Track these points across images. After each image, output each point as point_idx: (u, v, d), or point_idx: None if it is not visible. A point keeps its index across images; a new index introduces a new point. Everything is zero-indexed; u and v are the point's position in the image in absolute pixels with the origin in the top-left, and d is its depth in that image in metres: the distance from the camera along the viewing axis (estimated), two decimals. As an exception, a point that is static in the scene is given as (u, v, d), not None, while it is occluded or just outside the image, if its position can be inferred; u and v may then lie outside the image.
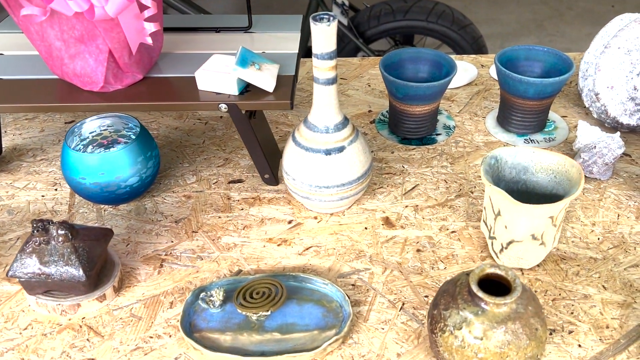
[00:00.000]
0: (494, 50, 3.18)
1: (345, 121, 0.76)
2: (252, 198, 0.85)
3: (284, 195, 0.85)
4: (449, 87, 1.08)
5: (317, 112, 0.75)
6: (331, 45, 0.69)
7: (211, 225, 0.80)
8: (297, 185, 0.77)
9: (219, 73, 0.78)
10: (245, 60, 0.79)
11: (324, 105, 0.74)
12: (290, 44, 0.91)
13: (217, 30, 0.96)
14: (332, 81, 0.72)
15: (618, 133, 0.85)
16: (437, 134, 0.96)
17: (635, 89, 0.89)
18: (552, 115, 1.00)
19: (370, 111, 1.03)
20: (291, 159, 0.77)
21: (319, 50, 0.69)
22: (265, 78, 0.78)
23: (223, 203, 0.84)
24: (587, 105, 0.95)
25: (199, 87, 0.80)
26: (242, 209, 0.83)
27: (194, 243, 0.78)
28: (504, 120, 0.95)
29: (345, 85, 1.10)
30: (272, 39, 0.93)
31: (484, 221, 0.74)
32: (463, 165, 0.90)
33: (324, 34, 0.67)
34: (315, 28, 0.67)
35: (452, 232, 0.78)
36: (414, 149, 0.94)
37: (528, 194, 0.74)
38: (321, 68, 0.70)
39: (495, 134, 0.96)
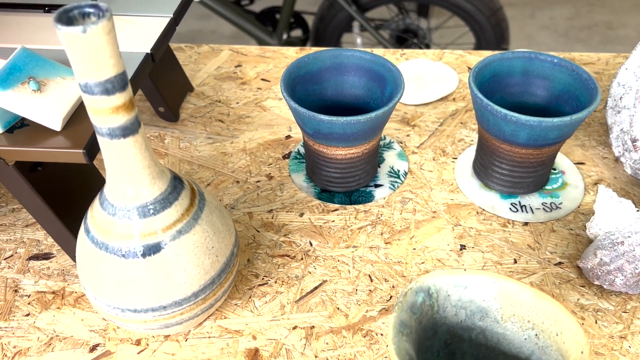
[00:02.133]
0: (521, 22, 2.76)
1: (172, 194, 0.43)
2: (53, 293, 0.53)
3: (105, 290, 0.53)
4: (414, 102, 0.73)
5: (112, 182, 0.41)
6: (106, 67, 0.35)
7: (-34, 345, 0.49)
8: (92, 300, 0.45)
9: (-32, 96, 0.45)
10: (13, 73, 0.45)
11: (119, 171, 0.40)
12: (142, 37, 0.57)
13: (46, 8, 0.62)
14: (124, 132, 0.38)
15: (665, 218, 0.50)
16: (377, 185, 0.62)
17: (700, 139, 0.53)
18: (561, 160, 0.64)
19: (288, 137, 0.69)
20: (81, 257, 0.44)
21: (82, 77, 0.35)
22: (43, 106, 0.45)
23: (3, 300, 0.52)
24: (617, 154, 0.59)
25: (-55, 116, 0.47)
26: (28, 315, 0.51)
27: None
28: (483, 170, 0.61)
29: (266, 91, 0.76)
30: (123, 26, 0.60)
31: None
32: (405, 248, 0.56)
33: (84, 47, 0.33)
34: (63, 35, 0.33)
35: (358, 390, 0.45)
36: (336, 210, 0.60)
37: (488, 349, 0.41)
38: (96, 110, 0.37)
39: (467, 189, 0.61)
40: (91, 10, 0.34)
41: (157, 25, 0.61)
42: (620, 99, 0.58)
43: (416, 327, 0.37)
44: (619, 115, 0.58)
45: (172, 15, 0.62)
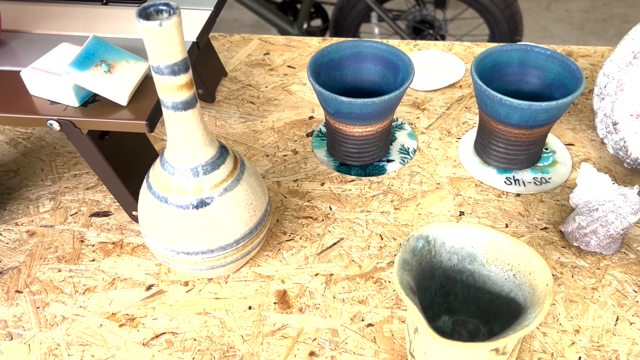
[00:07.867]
0: (537, 14, 2.80)
1: (220, 159, 0.52)
2: (113, 243, 0.62)
3: (156, 242, 0.63)
4: (424, 88, 0.81)
5: (172, 147, 0.51)
6: (174, 53, 0.44)
7: (45, 282, 0.59)
8: (151, 244, 0.55)
9: (51, 75, 0.55)
10: (88, 57, 0.55)
11: (178, 138, 0.50)
12: (189, 27, 0.66)
13: (104, 1, 0.71)
14: (185, 105, 0.47)
15: (636, 189, 0.58)
16: (389, 160, 0.71)
17: (670, 123, 0.61)
18: (553, 141, 0.73)
19: (311, 118, 0.78)
20: (144, 208, 0.54)
21: (155, 60, 0.44)
22: (113, 85, 0.54)
23: (72, 248, 0.62)
24: (601, 136, 0.68)
25: (31, 92, 0.57)
26: (93, 260, 0.61)
27: (11, 310, 0.57)
28: (482, 149, 0.69)
29: (292, 77, 0.85)
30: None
31: (406, 324, 0.50)
32: (412, 213, 0.65)
33: (158, 37, 0.43)
34: (143, 28, 0.42)
35: (369, 325, 0.55)
36: (352, 180, 0.69)
37: (476, 289, 0.50)
38: (164, 87, 0.46)
39: (468, 166, 0.70)
40: (164, 7, 0.43)
41: (200, 17, 0.70)
42: (605, 87, 0.66)
43: (416, 266, 0.46)
44: (603, 101, 0.66)
45: (212, 9, 0.72)
